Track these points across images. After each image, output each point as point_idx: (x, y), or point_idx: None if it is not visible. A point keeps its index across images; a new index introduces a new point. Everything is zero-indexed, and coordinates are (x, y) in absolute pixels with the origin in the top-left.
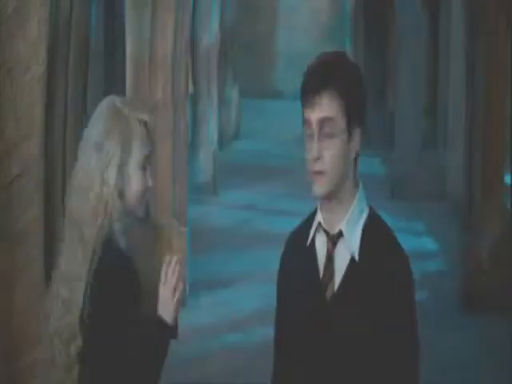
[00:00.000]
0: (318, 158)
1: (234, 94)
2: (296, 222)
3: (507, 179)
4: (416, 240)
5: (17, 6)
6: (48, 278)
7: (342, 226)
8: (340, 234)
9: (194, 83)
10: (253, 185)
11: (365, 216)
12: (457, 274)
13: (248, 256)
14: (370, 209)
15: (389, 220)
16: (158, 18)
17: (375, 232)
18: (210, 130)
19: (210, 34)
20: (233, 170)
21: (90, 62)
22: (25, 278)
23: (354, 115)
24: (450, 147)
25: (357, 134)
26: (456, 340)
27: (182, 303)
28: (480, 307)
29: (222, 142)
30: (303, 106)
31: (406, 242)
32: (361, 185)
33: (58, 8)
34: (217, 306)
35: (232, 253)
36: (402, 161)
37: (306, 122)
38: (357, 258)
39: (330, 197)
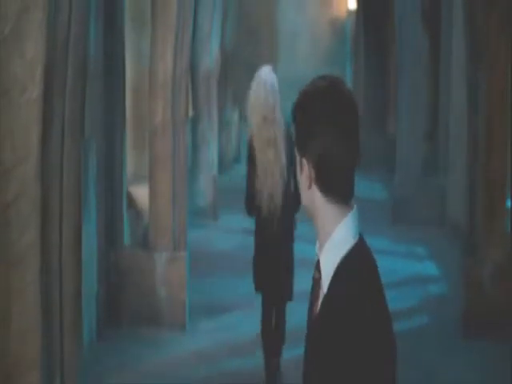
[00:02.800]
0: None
1: (234, 117)
2: (296, 246)
3: (507, 203)
4: (417, 264)
5: (13, 27)
6: (44, 301)
7: (321, 255)
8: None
9: (195, 106)
10: None
11: (348, 246)
12: (458, 299)
13: (248, 280)
14: (360, 238)
15: (390, 245)
16: (158, 41)
17: (353, 266)
18: (210, 153)
19: (211, 57)
20: (233, 193)
21: (89, 83)
22: (21, 302)
23: (299, 145)
24: (450, 172)
25: (304, 163)
26: (457, 365)
27: (181, 328)
28: (481, 332)
29: (222, 165)
30: None
31: (408, 267)
32: (350, 214)
33: (55, 28)
34: (216, 330)
35: (232, 277)
36: (402, 186)
37: None
38: (325, 290)
39: (311, 218)
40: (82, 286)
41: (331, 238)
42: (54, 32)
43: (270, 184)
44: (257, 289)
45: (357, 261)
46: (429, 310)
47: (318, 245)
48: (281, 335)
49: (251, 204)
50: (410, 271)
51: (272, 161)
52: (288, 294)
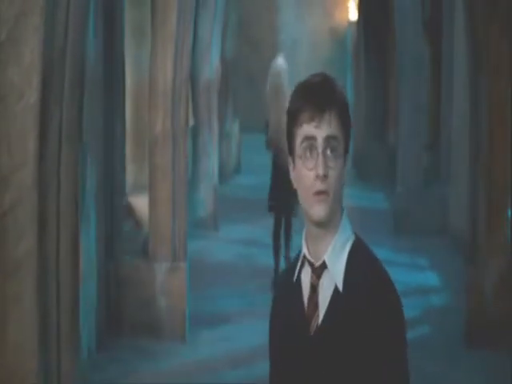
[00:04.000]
0: (325, 176)
1: (234, 128)
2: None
3: (509, 213)
4: (419, 275)
5: (10, 33)
6: (41, 311)
7: (326, 257)
8: (324, 265)
9: (195, 116)
10: (253, 219)
11: (349, 245)
12: (460, 309)
13: (248, 291)
14: (356, 236)
15: (392, 255)
16: (158, 49)
17: (359, 261)
18: (211, 163)
19: (211, 67)
20: (233, 204)
21: (89, 93)
22: (18, 311)
23: (347, 141)
24: (452, 182)
25: (347, 159)
26: (460, 375)
27: (181, 339)
28: (484, 343)
29: (223, 176)
30: (302, 122)
31: (410, 277)
32: (345, 212)
33: (52, 34)
34: (217, 341)
35: (232, 288)
36: (403, 196)
37: (306, 139)
38: (341, 288)
39: (325, 223)
40: (79, 295)
41: (337, 237)
42: (51, 37)
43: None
44: (270, 210)
45: (363, 255)
46: (431, 320)
47: (310, 251)
48: (289, 235)
49: (269, 140)
50: (412, 281)
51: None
52: (294, 207)
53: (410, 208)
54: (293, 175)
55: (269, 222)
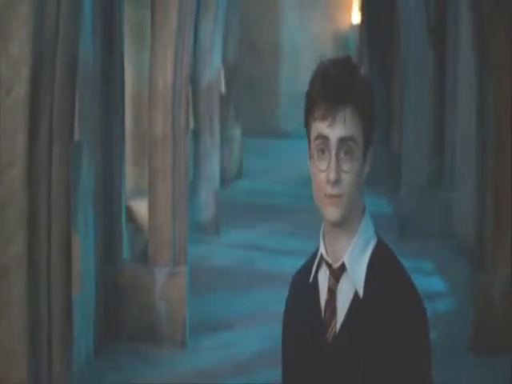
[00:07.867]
0: (337, 181)
1: (236, 132)
2: (299, 262)
3: None
4: (425, 280)
5: None
6: (32, 317)
7: (345, 258)
8: (343, 267)
9: (196, 120)
10: (255, 224)
11: (371, 246)
12: (466, 314)
13: (250, 296)
14: (378, 239)
15: None
16: (158, 51)
17: (382, 265)
18: (212, 167)
19: (212, 71)
20: (235, 209)
21: (88, 93)
22: (6, 317)
23: (369, 135)
24: (457, 186)
25: (369, 155)
26: (465, 380)
27: (181, 345)
28: (490, 348)
29: (224, 181)
30: (316, 118)
31: (415, 282)
32: (367, 212)
33: (42, 25)
34: (218, 348)
35: (234, 293)
36: (408, 200)
37: (319, 137)
38: (361, 293)
39: (341, 223)
40: (71, 299)
41: (357, 238)
42: (41, 28)
43: None
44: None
45: (387, 258)
46: (436, 324)
47: (328, 251)
48: None
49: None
50: (418, 286)
51: None
52: None
53: (414, 212)
54: (309, 164)
55: (270, 226)
